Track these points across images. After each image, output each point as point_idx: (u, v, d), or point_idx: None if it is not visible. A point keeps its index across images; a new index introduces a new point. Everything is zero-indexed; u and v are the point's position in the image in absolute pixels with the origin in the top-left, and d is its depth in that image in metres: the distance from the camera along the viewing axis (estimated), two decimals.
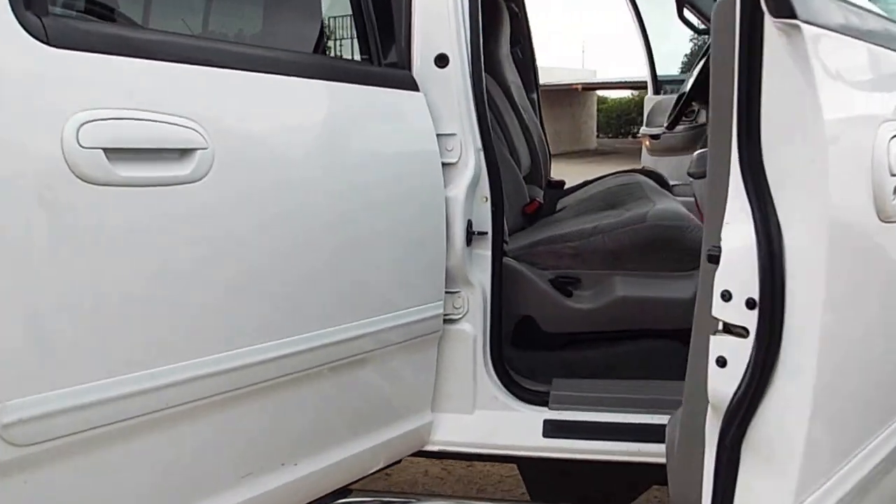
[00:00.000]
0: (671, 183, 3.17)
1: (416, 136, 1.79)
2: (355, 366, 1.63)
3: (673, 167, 3.98)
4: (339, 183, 1.56)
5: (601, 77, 24.14)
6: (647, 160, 4.22)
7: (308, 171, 1.51)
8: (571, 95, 22.87)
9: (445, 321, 1.84)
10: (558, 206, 2.57)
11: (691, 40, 4.39)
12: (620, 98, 27.21)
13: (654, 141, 4.06)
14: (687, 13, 3.20)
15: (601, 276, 2.03)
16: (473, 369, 1.87)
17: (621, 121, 26.66)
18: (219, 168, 1.30)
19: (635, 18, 4.18)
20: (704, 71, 2.77)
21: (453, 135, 1.82)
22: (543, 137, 3.29)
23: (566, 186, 3.16)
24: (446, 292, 1.83)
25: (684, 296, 1.99)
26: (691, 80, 2.95)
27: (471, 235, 1.83)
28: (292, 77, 1.50)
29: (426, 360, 1.84)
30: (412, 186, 1.75)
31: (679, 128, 3.96)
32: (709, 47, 3.11)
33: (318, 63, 1.70)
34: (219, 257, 1.34)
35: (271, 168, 1.44)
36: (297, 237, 1.48)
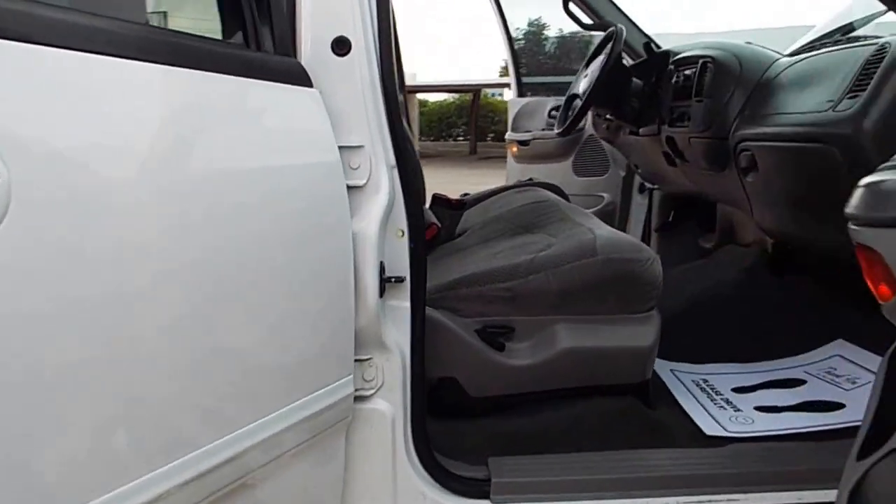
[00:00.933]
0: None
1: (309, 150, 1.27)
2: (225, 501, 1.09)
3: (545, 176, 3.67)
4: (194, 223, 1.01)
5: (421, 80, 24.08)
6: (513, 168, 3.88)
7: (145, 207, 0.95)
8: None
9: (355, 399, 1.34)
10: (458, 230, 2.13)
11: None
12: (441, 101, 27.30)
13: (522, 147, 3.72)
14: (573, 7, 2.87)
15: (540, 322, 1.60)
16: (392, 460, 1.38)
17: (443, 124, 26.72)
18: (19, 208, 0.74)
19: (499, 19, 3.82)
20: (607, 73, 2.44)
21: (360, 147, 1.32)
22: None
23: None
24: (355, 360, 1.33)
25: (643, 343, 1.61)
26: (584, 82, 2.62)
27: (384, 283, 1.35)
28: (119, 59, 0.93)
29: (330, 457, 1.33)
30: (305, 220, 1.23)
31: (552, 132, 3.67)
32: (601, 45, 2.81)
33: (155, 39, 1.07)
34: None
35: (89, 203, 0.87)
36: (122, 317, 0.91)
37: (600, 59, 2.58)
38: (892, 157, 1.41)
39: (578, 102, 2.97)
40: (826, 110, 1.62)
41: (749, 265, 2.19)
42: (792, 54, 2.24)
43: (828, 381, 1.90)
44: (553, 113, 3.65)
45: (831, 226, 1.83)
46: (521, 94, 3.95)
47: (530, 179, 2.79)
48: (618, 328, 1.59)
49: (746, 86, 2.03)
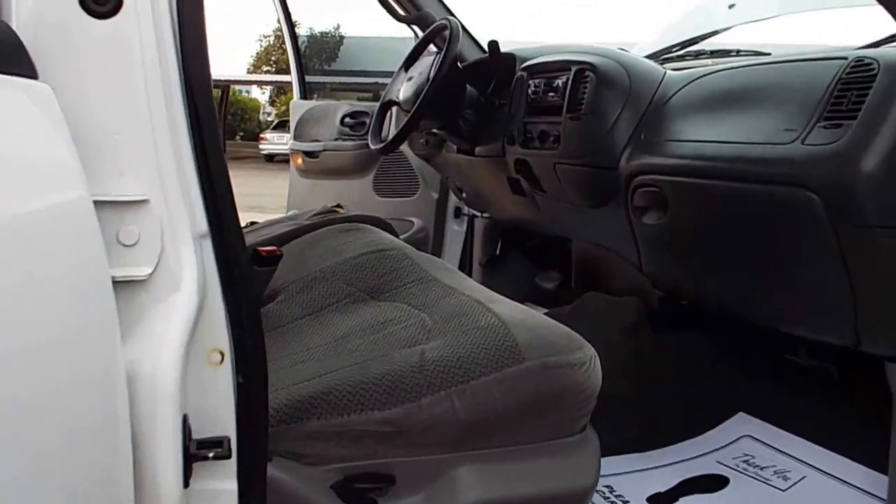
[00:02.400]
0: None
1: (25, 208, 0.58)
2: None
3: (339, 195, 3.04)
4: None
5: None
6: (296, 183, 3.20)
7: None
8: None
9: None
10: (267, 290, 1.45)
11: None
12: None
13: (309, 159, 3.07)
14: None
15: (434, 465, 1.00)
16: None
17: None
18: None
19: (283, 16, 3.13)
20: (442, 78, 1.89)
21: (141, 202, 0.65)
22: None
23: None
24: None
25: (582, 480, 1.07)
26: (407, 87, 2.05)
27: (192, 460, 0.69)
28: None
29: None
30: (17, 361, 0.55)
31: (348, 143, 3.06)
32: (423, 42, 2.26)
33: None
34: None
35: None
36: None
37: (429, 60, 2.03)
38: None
39: (395, 112, 2.41)
40: (790, 142, 1.20)
41: (630, 323, 1.76)
42: (662, 61, 1.85)
43: (753, 477, 1.51)
44: (347, 120, 3.03)
45: (761, 284, 1.45)
46: (305, 95, 3.28)
47: (338, 207, 2.17)
48: (545, 462, 1.03)
49: (639, 103, 1.58)
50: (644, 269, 1.68)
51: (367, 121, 2.98)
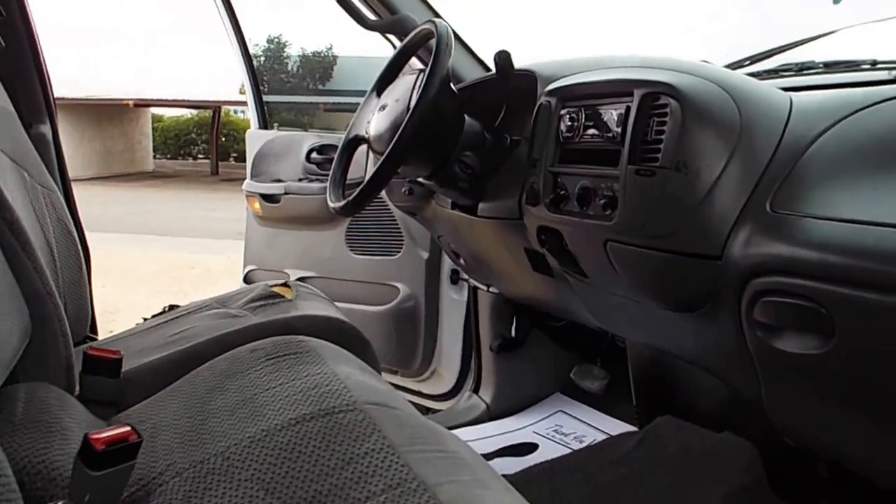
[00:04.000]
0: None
1: None
2: None
3: (300, 250, 2.38)
4: None
5: (154, 94, 21.39)
6: (254, 233, 2.54)
7: None
8: (123, 112, 19.90)
9: None
10: (135, 486, 0.80)
11: None
12: (178, 117, 24.73)
13: (268, 205, 2.41)
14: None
15: None
16: None
17: (180, 141, 24.20)
18: None
19: (234, 32, 2.47)
20: (429, 103, 1.24)
21: None
22: (77, 234, 1.43)
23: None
24: None
25: None
26: (380, 118, 1.40)
27: None
28: None
29: None
30: None
31: (315, 185, 2.39)
32: (403, 55, 1.59)
33: None
34: None
35: None
36: None
37: (408, 81, 1.38)
38: None
39: (369, 155, 1.76)
40: None
41: (740, 483, 1.09)
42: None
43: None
44: (314, 156, 2.38)
45: None
46: (264, 124, 2.62)
47: (283, 287, 1.50)
48: None
49: (757, 152, 0.93)
50: (769, 409, 1.02)
51: None
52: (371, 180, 1.28)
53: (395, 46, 1.89)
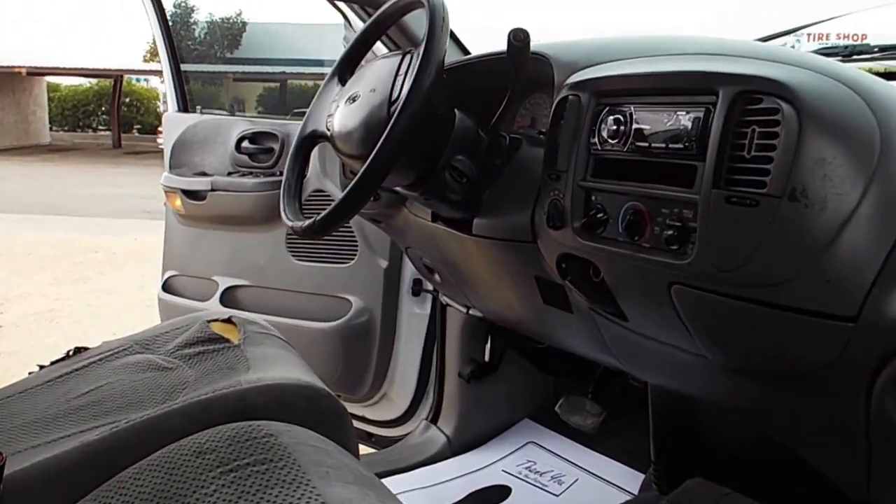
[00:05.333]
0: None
1: None
2: None
3: (231, 254, 2.03)
4: None
5: (51, 62, 19.88)
6: (175, 235, 2.16)
7: None
8: (14, 80, 18.48)
9: None
10: None
11: None
12: (76, 86, 23.18)
13: (191, 202, 2.04)
14: None
15: None
16: None
17: (79, 112, 22.72)
18: None
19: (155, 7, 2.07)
20: (424, 93, 0.94)
21: None
22: None
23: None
24: None
25: None
26: (346, 112, 1.09)
27: None
28: None
29: None
30: None
31: (248, 181, 2.04)
32: (374, 30, 1.27)
33: None
34: None
35: None
36: None
37: (386, 65, 1.08)
38: None
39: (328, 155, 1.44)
40: None
41: None
42: None
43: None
44: (246, 146, 2.03)
45: None
46: (184, 106, 2.24)
47: (227, 322, 1.18)
48: None
49: None
50: (873, 496, 0.78)
51: (276, 147, 1.98)
52: (349, 195, 0.97)
53: (349, 24, 1.57)
